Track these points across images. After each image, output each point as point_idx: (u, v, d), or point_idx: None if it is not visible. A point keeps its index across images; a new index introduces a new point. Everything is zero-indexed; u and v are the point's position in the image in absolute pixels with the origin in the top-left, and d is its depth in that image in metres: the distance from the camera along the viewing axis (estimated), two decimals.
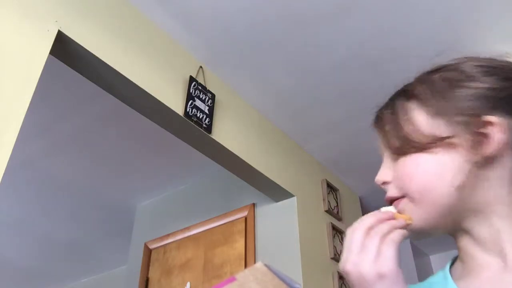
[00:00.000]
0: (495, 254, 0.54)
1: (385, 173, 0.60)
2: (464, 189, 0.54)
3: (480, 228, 0.55)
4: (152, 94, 1.82)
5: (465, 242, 0.58)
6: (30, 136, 2.57)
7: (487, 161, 0.54)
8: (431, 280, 0.62)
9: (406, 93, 0.61)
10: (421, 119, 0.57)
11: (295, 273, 2.30)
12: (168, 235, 2.92)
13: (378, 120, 0.63)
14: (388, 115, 0.61)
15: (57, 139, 2.67)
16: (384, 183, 0.60)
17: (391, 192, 0.59)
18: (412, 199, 0.56)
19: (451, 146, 0.54)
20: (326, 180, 2.87)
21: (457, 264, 0.60)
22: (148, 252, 2.97)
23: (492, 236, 0.55)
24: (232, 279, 0.45)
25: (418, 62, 0.64)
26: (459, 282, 0.56)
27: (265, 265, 0.44)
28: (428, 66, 0.62)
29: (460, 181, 0.53)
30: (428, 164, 0.55)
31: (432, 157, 0.55)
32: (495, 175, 0.54)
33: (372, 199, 3.26)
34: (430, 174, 0.55)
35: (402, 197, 0.57)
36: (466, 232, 0.57)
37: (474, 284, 0.55)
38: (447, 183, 0.54)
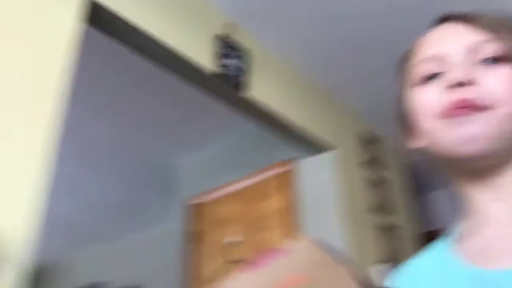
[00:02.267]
0: (508, 201, 0.50)
1: (470, 74, 0.52)
2: None
3: None
4: (185, 54, 1.81)
5: (477, 190, 0.53)
6: (70, 101, 2.64)
7: None
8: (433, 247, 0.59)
9: None
10: None
11: (334, 227, 2.33)
12: (211, 191, 3.00)
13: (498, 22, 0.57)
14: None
15: (96, 103, 2.74)
16: (469, 83, 0.51)
17: (478, 97, 0.50)
18: (500, 115, 0.49)
19: None
20: (364, 132, 2.84)
21: (465, 223, 0.56)
22: (193, 208, 3.07)
23: None
24: (281, 252, 0.46)
25: (461, 5, 0.60)
26: (463, 244, 0.53)
27: (315, 240, 0.45)
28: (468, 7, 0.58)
29: None
30: None
31: None
32: None
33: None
34: None
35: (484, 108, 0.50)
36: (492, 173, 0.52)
37: (475, 243, 0.51)
38: None
